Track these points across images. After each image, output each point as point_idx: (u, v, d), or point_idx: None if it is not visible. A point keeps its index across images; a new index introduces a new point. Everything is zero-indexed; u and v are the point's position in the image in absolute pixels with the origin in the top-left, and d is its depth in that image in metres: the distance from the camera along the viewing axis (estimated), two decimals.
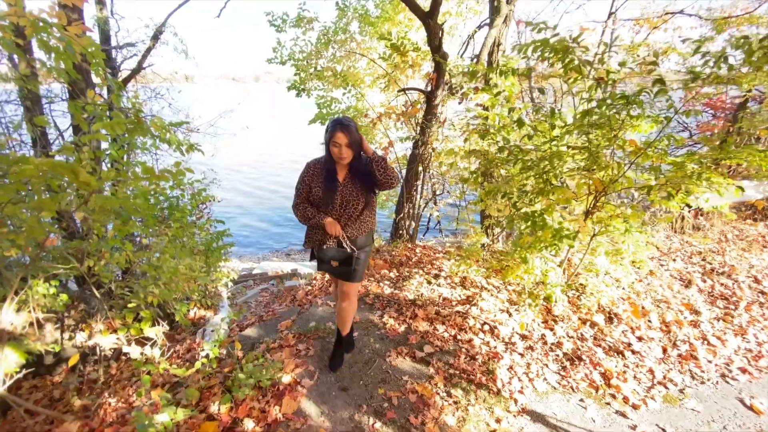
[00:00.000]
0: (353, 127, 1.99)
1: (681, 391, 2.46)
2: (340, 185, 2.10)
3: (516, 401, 2.30)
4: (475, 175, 3.32)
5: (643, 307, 3.13)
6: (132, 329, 2.76)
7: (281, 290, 4.88)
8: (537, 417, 2.22)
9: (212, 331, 3.15)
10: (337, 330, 2.53)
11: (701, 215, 5.16)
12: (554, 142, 2.81)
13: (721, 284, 3.69)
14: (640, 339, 2.88)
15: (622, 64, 2.55)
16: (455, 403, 2.28)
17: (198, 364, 2.28)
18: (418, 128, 4.15)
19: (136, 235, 3.61)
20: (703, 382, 2.54)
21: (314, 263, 2.41)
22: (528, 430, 2.13)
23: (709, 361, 2.71)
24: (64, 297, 2.75)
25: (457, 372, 2.53)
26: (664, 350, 2.79)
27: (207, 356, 2.38)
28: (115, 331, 2.76)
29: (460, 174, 4.04)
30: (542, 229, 2.64)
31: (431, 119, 3.82)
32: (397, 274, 3.91)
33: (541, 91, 2.99)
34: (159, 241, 3.40)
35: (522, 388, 2.41)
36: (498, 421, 2.16)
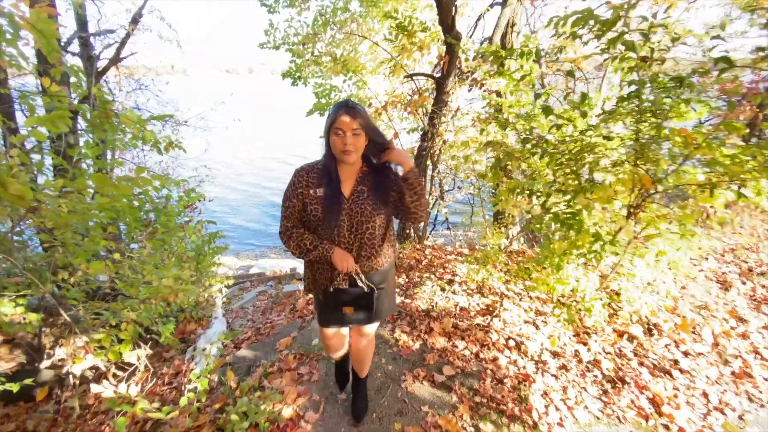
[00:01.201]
0: (364, 111, 1.49)
1: (740, 417, 2.15)
2: (347, 200, 1.52)
3: None
4: (494, 170, 2.95)
5: (684, 317, 2.80)
6: (110, 353, 2.40)
7: (280, 296, 4.54)
8: None
9: (203, 350, 2.81)
10: (353, 373, 2.10)
11: (727, 207, 4.85)
12: (589, 132, 2.45)
13: (762, 286, 3.37)
14: (686, 354, 2.56)
15: (675, 39, 2.17)
16: None
17: (184, 401, 1.94)
18: (427, 118, 3.76)
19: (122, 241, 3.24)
20: (762, 405, 2.22)
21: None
22: None
23: (766, 379, 2.40)
24: (33, 317, 2.39)
25: (485, 400, 2.20)
26: (714, 367, 2.47)
27: (195, 389, 2.04)
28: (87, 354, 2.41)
29: (473, 168, 3.68)
30: (578, 233, 2.29)
31: (442, 108, 3.45)
32: (407, 280, 3.56)
33: (571, 74, 2.59)
34: (141, 251, 3.03)
35: (561, 419, 2.08)
36: None
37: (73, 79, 2.72)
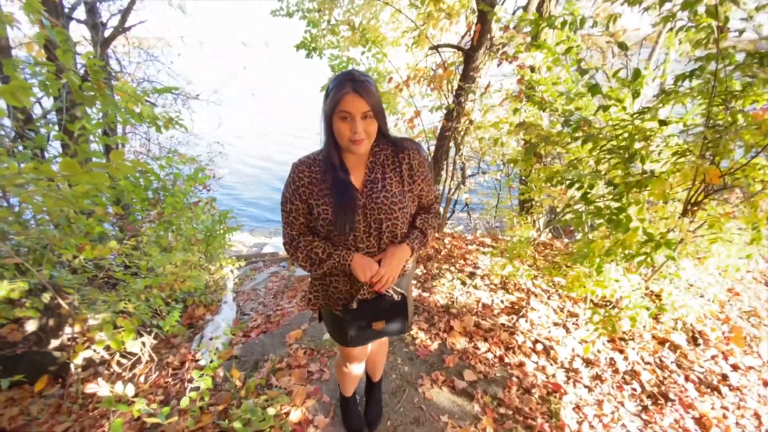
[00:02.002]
0: (374, 85, 1.17)
1: None
2: (361, 194, 1.23)
3: None
4: (527, 155, 2.65)
5: (737, 326, 2.52)
6: (112, 342, 2.29)
7: (292, 279, 4.41)
8: None
9: (210, 339, 2.68)
10: (366, 376, 1.91)
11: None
12: (645, 115, 2.13)
13: None
14: (735, 368, 2.30)
15: (761, 8, 1.80)
16: None
17: (185, 401, 1.80)
18: (452, 95, 3.44)
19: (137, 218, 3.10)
20: None
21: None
22: None
23: None
24: (34, 301, 2.28)
25: (510, 411, 2.01)
26: (766, 384, 2.21)
27: (198, 388, 1.90)
28: (90, 344, 2.30)
29: (502, 153, 3.37)
30: (625, 231, 2.01)
31: (470, 84, 3.12)
32: (425, 271, 3.35)
33: (623, 46, 2.24)
34: (149, 230, 2.88)
35: None
36: None
37: (82, 49, 2.49)
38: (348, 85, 1.10)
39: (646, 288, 2.68)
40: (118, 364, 2.48)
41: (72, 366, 2.26)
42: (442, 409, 2.03)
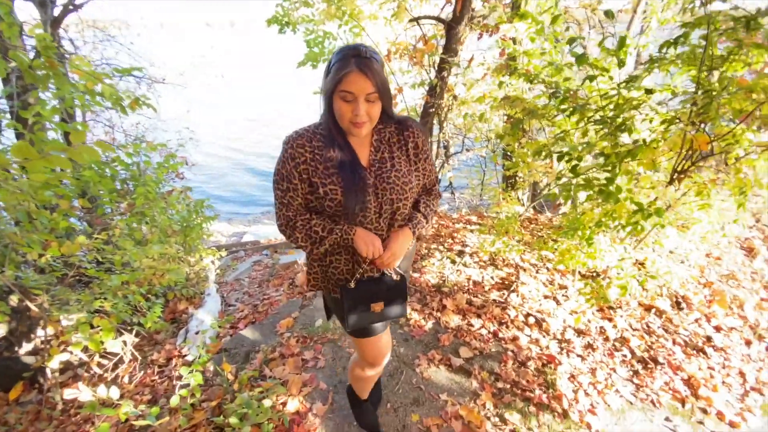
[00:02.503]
0: (381, 63, 1.08)
1: None
2: (369, 173, 1.15)
3: (590, 426, 1.81)
4: (513, 130, 2.61)
5: (722, 291, 2.61)
6: (90, 343, 2.15)
7: (276, 267, 4.30)
8: None
9: (196, 333, 2.58)
10: (353, 394, 1.77)
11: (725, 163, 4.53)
12: (632, 84, 2.11)
13: None
14: (718, 330, 2.39)
15: None
16: None
17: (175, 400, 1.71)
18: (434, 70, 3.34)
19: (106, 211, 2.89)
20: None
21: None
22: None
23: None
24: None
25: (508, 385, 2.02)
26: (748, 343, 2.31)
27: (187, 386, 1.81)
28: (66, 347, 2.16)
29: (488, 128, 3.32)
30: (615, 202, 2.01)
31: (452, 58, 3.03)
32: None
33: (609, 14, 2.20)
34: (121, 222, 2.70)
35: (592, 405, 1.92)
36: None
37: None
38: (353, 63, 1.00)
39: (624, 259, 2.73)
40: (99, 365, 2.35)
41: (48, 370, 2.11)
42: (441, 387, 2.03)
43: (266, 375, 2.09)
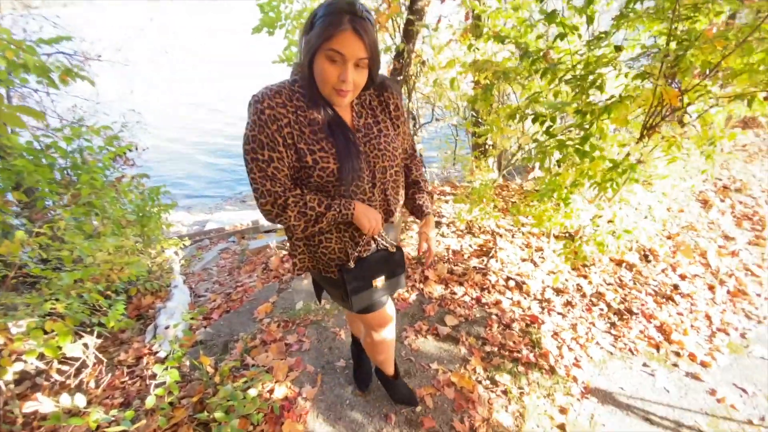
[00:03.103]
0: (373, 25, 0.93)
1: (743, 336, 2.16)
2: (359, 135, 1.06)
3: (576, 379, 1.86)
4: (485, 94, 2.55)
5: (685, 242, 2.76)
6: (46, 350, 1.93)
7: (247, 253, 4.10)
8: (604, 396, 1.81)
9: (166, 328, 2.40)
10: (379, 373, 1.75)
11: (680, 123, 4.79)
12: (601, 41, 2.10)
13: (740, 203, 3.42)
14: (683, 278, 2.53)
15: None
16: (504, 393, 1.80)
17: (151, 400, 1.58)
18: (398, 34, 3.19)
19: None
20: (760, 322, 2.26)
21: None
22: (600, 416, 1.72)
23: (758, 295, 2.44)
24: None
25: (495, 348, 2.04)
26: (711, 288, 2.47)
27: (164, 384, 1.67)
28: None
29: (459, 95, 3.23)
30: (591, 160, 2.02)
31: (419, 20, 2.89)
32: None
33: None
34: (62, 219, 2.42)
35: (576, 359, 1.98)
36: (563, 411, 1.72)
37: None
38: (347, 21, 0.86)
39: (598, 216, 2.81)
40: (59, 372, 2.13)
41: (1, 383, 1.89)
42: (431, 356, 2.02)
43: (249, 364, 1.99)
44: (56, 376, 2.12)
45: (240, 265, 3.94)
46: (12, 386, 2.07)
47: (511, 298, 2.39)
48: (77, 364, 2.04)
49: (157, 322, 2.54)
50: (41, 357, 2.07)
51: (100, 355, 2.12)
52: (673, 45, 1.77)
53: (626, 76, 1.92)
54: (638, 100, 2.04)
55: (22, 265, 1.96)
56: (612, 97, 1.91)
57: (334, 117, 1.00)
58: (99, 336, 2.34)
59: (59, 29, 4.99)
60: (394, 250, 1.21)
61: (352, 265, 1.14)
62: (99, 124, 3.54)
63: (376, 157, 1.07)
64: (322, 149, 0.99)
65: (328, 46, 0.88)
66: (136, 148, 3.84)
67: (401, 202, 1.25)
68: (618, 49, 2.11)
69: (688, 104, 1.94)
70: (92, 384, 2.04)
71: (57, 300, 1.69)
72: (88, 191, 2.55)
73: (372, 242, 1.18)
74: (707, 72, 1.94)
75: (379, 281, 1.19)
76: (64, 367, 2.15)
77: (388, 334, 1.44)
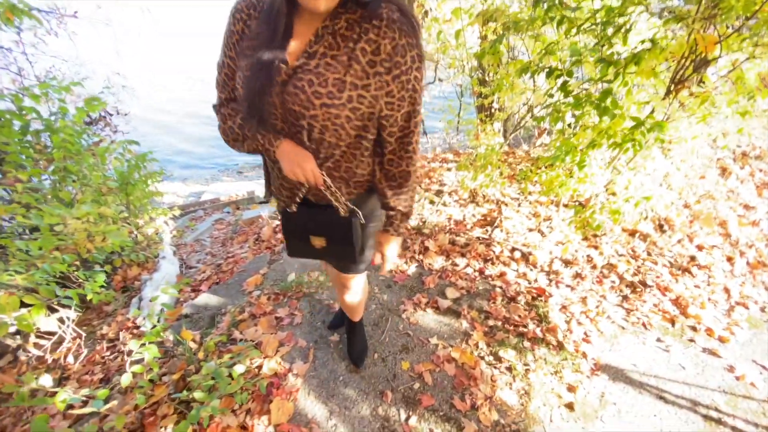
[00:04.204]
0: None
1: (763, 309, 2.03)
2: (288, 68, 0.81)
3: (585, 355, 1.74)
4: (494, 47, 2.30)
5: (706, 212, 2.58)
6: (19, 324, 1.80)
7: (240, 224, 3.95)
8: (616, 374, 1.69)
9: (151, 300, 2.27)
10: (345, 317, 1.70)
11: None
12: None
13: (761, 170, 3.22)
14: (700, 249, 2.37)
15: None
16: (509, 370, 1.69)
17: (127, 378, 1.45)
18: None
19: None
20: None
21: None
22: (611, 395, 1.61)
23: None
24: None
25: (499, 322, 1.91)
26: (730, 260, 2.32)
27: (142, 361, 1.55)
28: None
29: (465, 49, 2.95)
30: (612, 117, 1.82)
31: None
32: None
33: None
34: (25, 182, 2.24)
35: (586, 334, 1.85)
36: (572, 389, 1.61)
37: None
38: None
39: (613, 182, 2.63)
40: (37, 346, 2.02)
41: None
42: (430, 331, 1.89)
43: (236, 339, 1.86)
44: (34, 351, 2.00)
45: (233, 236, 3.79)
46: (10, 340, 1.96)
47: (517, 270, 2.25)
48: (53, 339, 1.92)
49: (142, 294, 2.41)
50: (17, 331, 1.95)
51: (79, 329, 1.99)
52: None
53: (663, 22, 1.67)
54: (674, 47, 1.80)
55: None
56: (642, 42, 1.67)
57: (273, 35, 0.78)
58: (80, 309, 2.22)
59: None
60: (345, 214, 0.97)
61: (293, 208, 1.01)
62: (84, 92, 3.29)
63: (290, 96, 0.81)
64: (244, 68, 0.83)
65: None
66: (118, 112, 3.59)
67: (353, 170, 0.95)
68: None
69: (716, 58, 1.70)
70: (71, 359, 1.93)
71: (16, 272, 1.54)
72: (61, 155, 2.35)
73: (324, 192, 0.95)
74: (748, 16, 1.70)
75: (319, 241, 1.03)
76: (43, 341, 2.03)
77: (349, 297, 1.40)
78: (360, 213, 1.00)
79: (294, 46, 0.81)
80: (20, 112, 2.33)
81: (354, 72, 0.79)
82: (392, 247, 1.08)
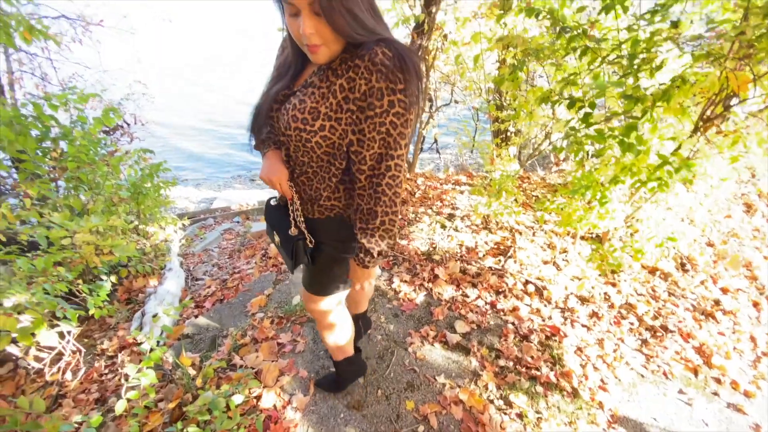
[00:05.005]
0: None
1: None
2: (291, 92, 0.95)
3: (602, 405, 1.64)
4: (514, 74, 2.26)
5: (723, 249, 2.47)
6: (20, 337, 1.78)
7: (248, 236, 3.93)
8: (635, 428, 1.59)
9: (153, 316, 2.24)
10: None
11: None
12: (657, 14, 1.78)
13: None
14: (725, 292, 2.26)
15: None
16: (519, 417, 1.59)
17: (121, 406, 1.40)
18: (419, 4, 2.87)
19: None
20: None
21: None
22: None
23: None
24: None
25: (511, 363, 1.82)
26: (756, 305, 2.20)
27: (139, 386, 1.50)
28: None
29: (483, 73, 2.91)
30: (636, 154, 1.74)
31: None
32: (400, 217, 3.01)
33: None
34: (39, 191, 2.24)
35: (603, 381, 1.75)
36: None
37: None
38: None
39: (632, 217, 2.53)
40: (37, 359, 1.99)
41: None
42: (437, 368, 1.81)
43: (236, 364, 1.81)
44: (34, 364, 1.97)
45: (240, 248, 3.76)
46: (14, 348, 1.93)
47: (530, 305, 2.16)
48: (52, 353, 1.89)
49: (145, 308, 2.38)
50: (13, 343, 1.93)
51: (79, 345, 1.96)
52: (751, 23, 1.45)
53: (693, 58, 1.60)
54: (697, 84, 1.74)
55: None
56: (673, 80, 1.60)
57: (287, 67, 0.97)
58: (82, 322, 2.19)
59: None
60: (294, 232, 1.08)
61: (272, 202, 1.17)
62: (105, 99, 3.32)
63: (284, 114, 0.93)
64: (263, 90, 1.03)
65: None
66: (135, 121, 3.62)
67: (319, 192, 1.01)
68: (675, 25, 1.80)
69: (743, 100, 1.63)
70: (68, 375, 1.89)
71: (16, 292, 1.51)
72: (74, 165, 2.36)
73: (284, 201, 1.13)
74: None
75: (276, 237, 1.13)
76: (43, 354, 2.00)
77: (320, 328, 1.39)
78: (308, 237, 1.08)
79: (303, 74, 0.97)
80: (39, 120, 2.35)
81: (329, 104, 0.87)
82: (358, 274, 1.06)
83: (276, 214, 1.14)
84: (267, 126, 1.04)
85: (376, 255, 0.97)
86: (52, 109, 2.30)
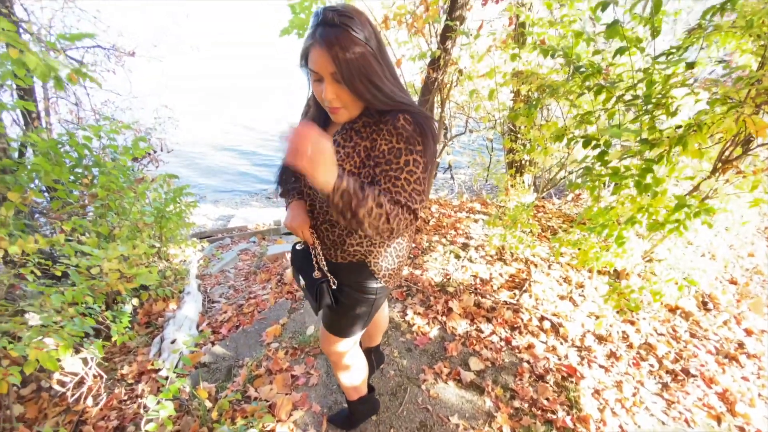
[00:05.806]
0: (357, 33, 0.81)
1: None
2: None
3: None
4: (528, 110, 2.29)
5: (758, 296, 2.40)
6: (46, 362, 1.85)
7: (264, 259, 3.99)
8: None
9: (172, 342, 2.29)
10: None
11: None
12: (673, 55, 1.81)
13: None
14: (749, 334, 2.19)
15: None
16: None
17: None
18: (435, 40, 2.96)
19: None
20: None
21: None
22: None
23: None
24: None
25: (526, 404, 1.79)
26: None
27: (157, 419, 1.53)
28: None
29: (497, 106, 2.97)
30: (653, 196, 1.74)
31: (458, 26, 2.66)
32: (414, 245, 3.03)
33: None
34: (73, 222, 2.34)
35: (621, 428, 1.70)
36: None
37: None
38: (316, 34, 0.82)
39: (651, 252, 2.50)
40: (60, 383, 2.06)
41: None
42: (451, 407, 1.79)
43: (251, 396, 1.83)
44: (57, 387, 2.03)
45: (256, 270, 3.83)
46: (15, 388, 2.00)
47: (545, 342, 2.13)
48: (76, 378, 1.95)
49: (163, 334, 2.44)
50: (41, 370, 2.00)
51: (100, 371, 2.02)
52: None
53: (710, 104, 1.61)
54: (713, 128, 1.74)
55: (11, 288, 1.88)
56: (689, 125, 1.61)
57: (316, 121, 1.02)
58: (107, 340, 2.25)
59: (97, 22, 5.05)
60: (318, 275, 1.12)
61: (298, 247, 1.21)
62: (129, 120, 3.50)
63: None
64: None
65: (308, 65, 0.86)
66: (162, 149, 3.80)
67: (343, 239, 1.06)
68: (690, 66, 1.82)
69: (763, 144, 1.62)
70: (89, 401, 1.94)
71: (44, 326, 1.58)
72: (104, 194, 2.48)
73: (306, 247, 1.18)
74: None
75: (302, 281, 1.19)
76: (66, 379, 2.06)
77: (335, 369, 1.41)
78: (331, 278, 1.12)
79: (329, 131, 1.02)
80: (73, 149, 2.49)
81: (353, 163, 0.93)
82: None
83: (301, 258, 1.19)
84: (293, 177, 1.11)
85: (336, 198, 0.79)
86: (87, 140, 2.44)
